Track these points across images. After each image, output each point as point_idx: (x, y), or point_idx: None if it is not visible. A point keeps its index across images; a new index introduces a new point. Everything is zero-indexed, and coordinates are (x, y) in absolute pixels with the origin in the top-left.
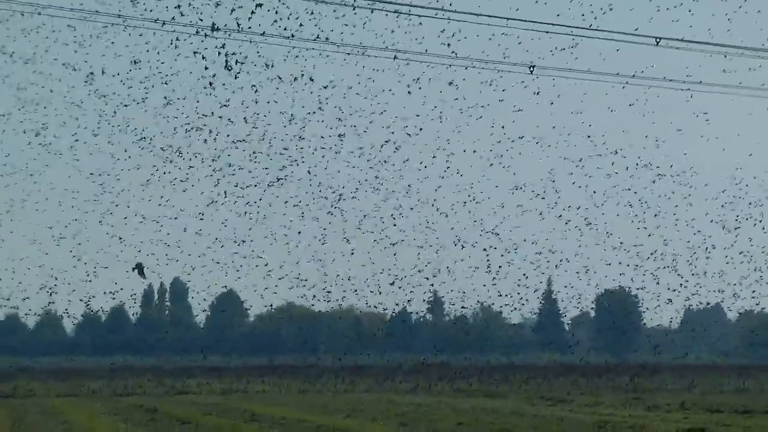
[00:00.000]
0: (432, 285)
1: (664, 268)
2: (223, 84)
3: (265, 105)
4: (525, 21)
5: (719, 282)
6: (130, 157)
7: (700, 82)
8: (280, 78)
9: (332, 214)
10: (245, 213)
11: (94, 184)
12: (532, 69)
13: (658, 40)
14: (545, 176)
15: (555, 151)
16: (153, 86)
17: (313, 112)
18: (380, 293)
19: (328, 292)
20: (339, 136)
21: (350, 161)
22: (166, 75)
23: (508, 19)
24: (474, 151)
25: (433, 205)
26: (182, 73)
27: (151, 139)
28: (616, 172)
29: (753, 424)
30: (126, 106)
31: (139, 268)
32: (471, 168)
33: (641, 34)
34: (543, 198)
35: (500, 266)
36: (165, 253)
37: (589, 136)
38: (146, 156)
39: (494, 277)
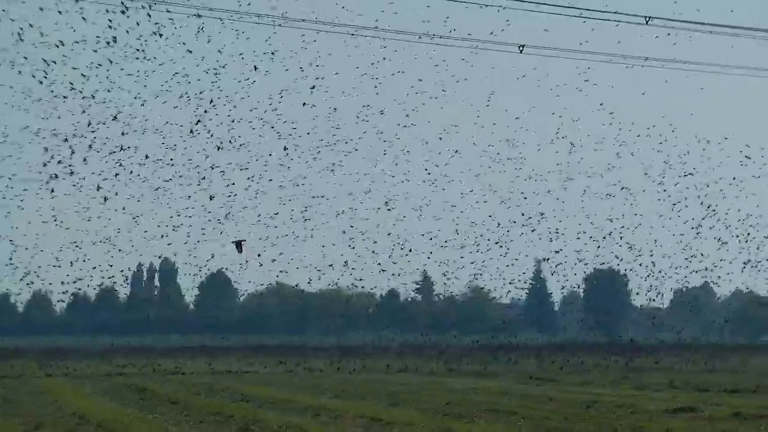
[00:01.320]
0: (424, 265)
1: (654, 247)
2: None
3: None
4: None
5: (707, 262)
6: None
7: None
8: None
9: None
10: (232, 194)
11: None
12: (521, 48)
13: (647, 19)
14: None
15: (541, 132)
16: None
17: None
18: (371, 273)
19: (319, 271)
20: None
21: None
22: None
23: None
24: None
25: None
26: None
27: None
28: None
29: (741, 402)
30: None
31: (238, 244)
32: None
33: (630, 14)
34: (535, 180)
35: (489, 248)
36: (154, 233)
37: (578, 119)
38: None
39: (483, 258)
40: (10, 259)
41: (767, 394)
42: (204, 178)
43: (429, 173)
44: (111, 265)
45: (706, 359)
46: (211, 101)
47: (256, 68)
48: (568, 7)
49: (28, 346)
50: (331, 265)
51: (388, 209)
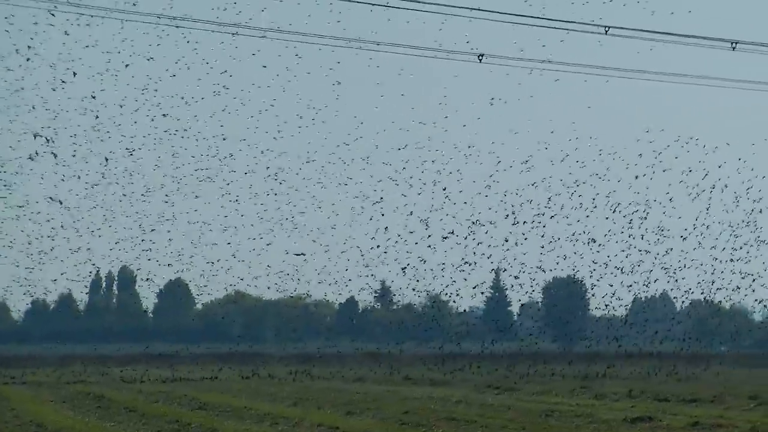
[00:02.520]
0: (377, 274)
1: (613, 257)
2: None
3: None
4: (471, 9)
5: (668, 271)
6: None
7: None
8: None
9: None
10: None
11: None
12: (480, 58)
13: (606, 29)
14: (493, 166)
15: (507, 143)
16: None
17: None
18: (329, 282)
19: (279, 281)
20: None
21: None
22: None
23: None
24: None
25: (381, 199)
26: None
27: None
28: (562, 160)
29: (700, 412)
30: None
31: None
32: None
33: (592, 23)
34: (489, 186)
35: (446, 255)
36: (113, 240)
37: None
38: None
39: (442, 266)
40: None
41: (725, 404)
42: (163, 186)
43: (395, 182)
44: (69, 273)
45: (664, 369)
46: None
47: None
48: (528, 16)
49: None
50: (289, 274)
51: (349, 214)
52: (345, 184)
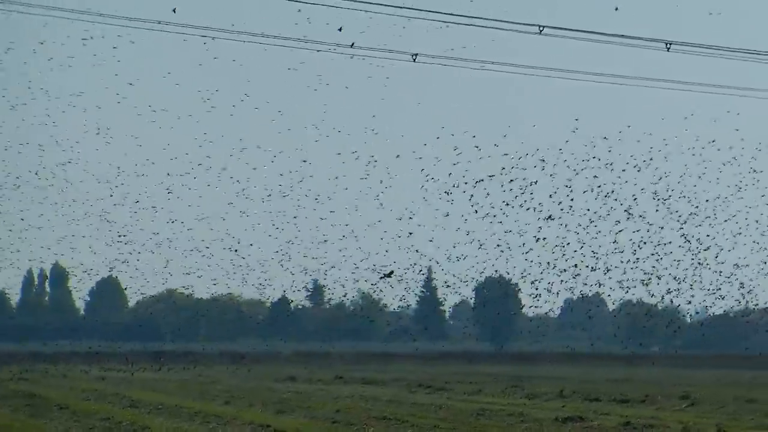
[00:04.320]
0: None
1: (545, 257)
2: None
3: None
4: (405, 8)
5: (599, 272)
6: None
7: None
8: None
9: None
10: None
11: None
12: (414, 57)
13: (541, 28)
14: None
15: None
16: None
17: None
18: (260, 280)
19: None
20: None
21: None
22: None
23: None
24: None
25: (316, 198)
26: None
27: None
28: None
29: (631, 412)
30: None
31: (388, 274)
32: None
33: (526, 23)
34: (424, 187)
35: (379, 254)
36: (45, 237)
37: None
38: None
39: (374, 265)
40: None
41: (657, 404)
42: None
43: (336, 181)
44: (2, 271)
45: (596, 369)
46: None
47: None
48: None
49: None
50: (222, 271)
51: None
52: (280, 183)
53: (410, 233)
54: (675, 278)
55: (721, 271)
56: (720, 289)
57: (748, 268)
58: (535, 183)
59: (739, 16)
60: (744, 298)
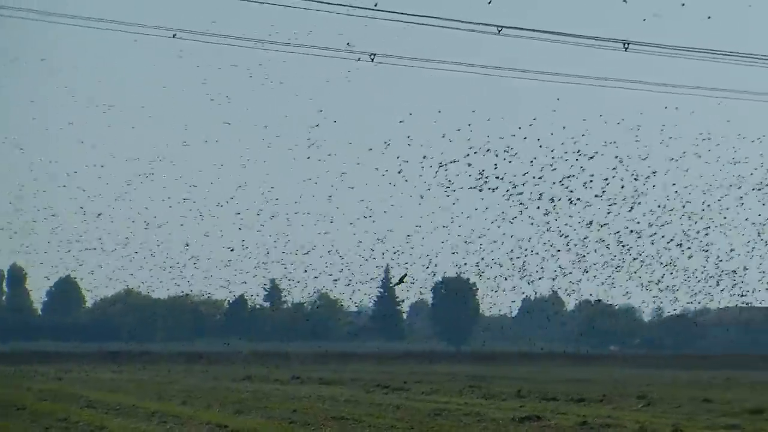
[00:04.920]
0: (269, 272)
1: (504, 256)
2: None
3: None
4: (364, 8)
5: (558, 272)
6: None
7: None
8: None
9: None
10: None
11: None
12: (372, 57)
13: (499, 28)
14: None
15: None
16: None
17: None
18: (219, 280)
19: (171, 279)
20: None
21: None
22: None
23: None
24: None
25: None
26: None
27: None
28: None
29: (588, 412)
30: None
31: (402, 279)
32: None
33: (483, 23)
34: (380, 186)
35: (340, 255)
36: (2, 238)
37: (443, 135)
38: None
39: (330, 265)
40: None
41: (614, 404)
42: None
43: (291, 181)
44: None
45: (553, 368)
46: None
47: None
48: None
49: None
50: (179, 273)
51: (237, 214)
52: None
53: (377, 235)
54: (629, 277)
55: (674, 272)
56: (678, 290)
57: (705, 269)
58: (494, 185)
59: (700, 17)
60: (700, 298)
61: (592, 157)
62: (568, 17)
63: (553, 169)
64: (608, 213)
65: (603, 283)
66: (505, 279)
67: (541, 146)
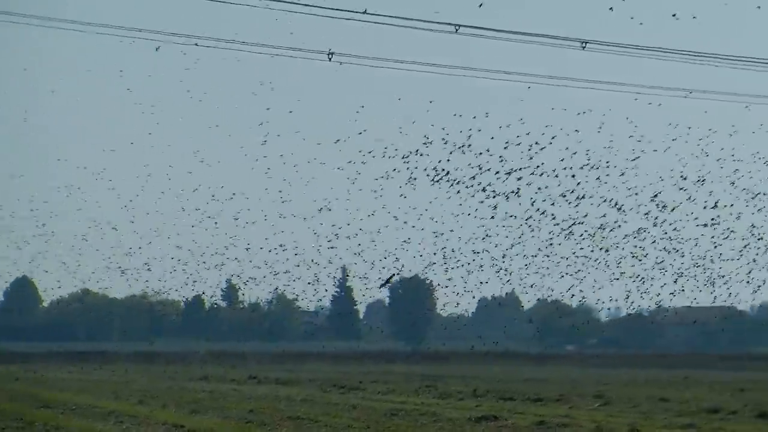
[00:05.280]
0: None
1: (461, 256)
2: None
3: None
4: (322, 7)
5: (515, 271)
6: None
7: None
8: None
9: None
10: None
11: None
12: (330, 56)
13: (457, 27)
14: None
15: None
16: None
17: None
18: (175, 281)
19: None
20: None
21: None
22: None
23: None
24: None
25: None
26: None
27: None
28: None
29: (545, 411)
30: None
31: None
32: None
33: (441, 22)
34: (333, 188)
35: (296, 254)
36: None
37: (401, 129)
38: None
39: (286, 263)
40: None
41: (571, 403)
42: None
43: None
44: None
45: (510, 368)
46: None
47: None
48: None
49: None
50: (136, 272)
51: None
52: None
53: (332, 234)
54: (583, 277)
55: (631, 270)
56: (636, 290)
57: (663, 268)
58: (454, 180)
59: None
60: (656, 297)
61: (543, 148)
62: (534, 17)
63: (510, 167)
64: (568, 210)
65: (558, 282)
66: (462, 278)
67: (494, 139)
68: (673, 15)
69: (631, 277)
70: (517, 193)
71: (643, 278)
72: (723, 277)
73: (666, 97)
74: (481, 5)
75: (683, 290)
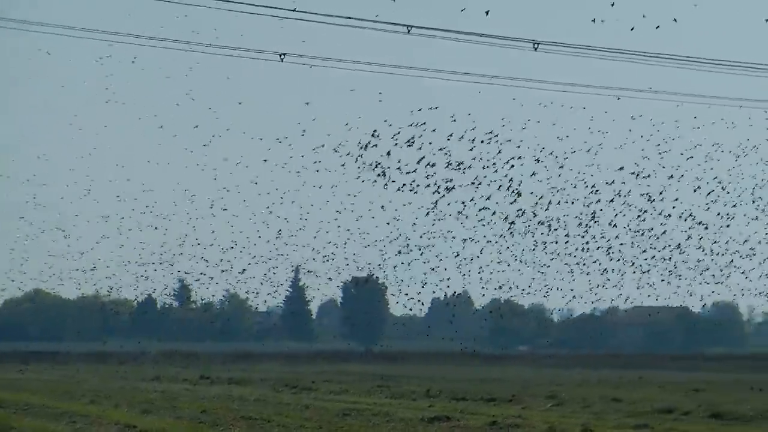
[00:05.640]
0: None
1: (414, 255)
2: None
3: None
4: (274, 8)
5: (468, 271)
6: None
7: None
8: None
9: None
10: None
11: None
12: (282, 57)
13: (409, 28)
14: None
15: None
16: None
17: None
18: (126, 280)
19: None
20: None
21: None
22: None
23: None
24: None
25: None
26: None
27: None
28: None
29: (498, 412)
30: None
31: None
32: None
33: (396, 23)
34: (288, 191)
35: (249, 252)
36: None
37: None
38: None
39: (235, 262)
40: None
41: (523, 404)
42: None
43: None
44: None
45: (463, 368)
46: None
47: None
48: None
49: None
50: (88, 272)
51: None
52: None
53: (279, 231)
54: (533, 278)
55: (588, 272)
56: (590, 291)
57: (615, 269)
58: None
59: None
60: (611, 298)
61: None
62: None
63: (468, 166)
64: (521, 208)
65: (509, 281)
66: (414, 277)
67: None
68: (643, 16)
69: (588, 275)
70: (471, 186)
71: (606, 276)
72: (680, 277)
73: (625, 97)
74: (463, 9)
75: (639, 288)
